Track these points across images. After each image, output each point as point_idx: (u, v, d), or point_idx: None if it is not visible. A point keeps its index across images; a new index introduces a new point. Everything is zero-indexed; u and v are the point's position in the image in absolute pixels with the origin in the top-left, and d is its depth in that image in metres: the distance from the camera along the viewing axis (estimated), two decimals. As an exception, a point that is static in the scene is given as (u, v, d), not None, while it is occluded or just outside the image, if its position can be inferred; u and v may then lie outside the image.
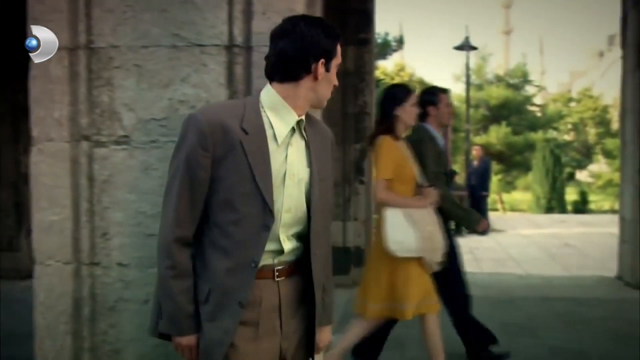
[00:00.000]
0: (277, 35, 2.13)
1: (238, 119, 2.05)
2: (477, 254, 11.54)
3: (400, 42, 22.42)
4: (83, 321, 2.80)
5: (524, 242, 13.32)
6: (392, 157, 3.99)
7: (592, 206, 30.46)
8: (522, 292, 7.65)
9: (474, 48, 17.93)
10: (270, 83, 2.15)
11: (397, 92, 4.18)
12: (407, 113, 4.08)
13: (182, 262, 2.07)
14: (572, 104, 53.44)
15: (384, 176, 3.96)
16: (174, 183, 2.06)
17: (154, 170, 2.69)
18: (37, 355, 2.84)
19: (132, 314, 2.75)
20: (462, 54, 18.17)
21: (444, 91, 4.76)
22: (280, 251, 2.13)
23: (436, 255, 4.03)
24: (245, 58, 2.65)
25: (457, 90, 33.86)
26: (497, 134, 33.28)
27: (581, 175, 53.38)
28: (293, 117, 2.12)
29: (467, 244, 13.02)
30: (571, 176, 47.12)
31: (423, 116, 4.47)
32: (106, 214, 2.74)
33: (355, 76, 7.81)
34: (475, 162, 15.30)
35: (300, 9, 2.69)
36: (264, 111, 2.10)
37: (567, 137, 49.62)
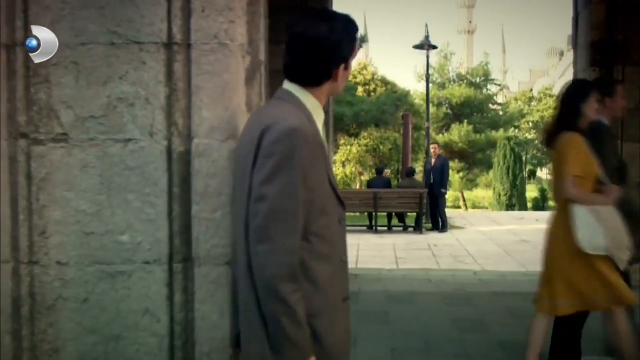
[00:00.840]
0: (298, 36, 2.09)
1: (310, 124, 2.05)
2: (435, 251, 11.66)
3: (362, 40, 22.47)
4: (22, 320, 2.77)
5: (481, 239, 13.50)
6: (582, 153, 3.95)
7: (552, 203, 31.01)
8: (475, 288, 7.76)
9: (434, 47, 18.06)
10: (291, 82, 2.15)
11: (581, 88, 4.13)
12: (591, 108, 4.04)
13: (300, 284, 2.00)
14: (533, 103, 54.27)
15: (574, 173, 3.89)
16: (287, 201, 1.94)
17: (93, 168, 2.68)
18: (-24, 355, 2.81)
19: (72, 313, 2.73)
20: (425, 52, 18.28)
21: (620, 82, 4.65)
22: None
23: (623, 253, 3.99)
24: (184, 55, 2.65)
25: (419, 88, 34.16)
26: (459, 132, 33.68)
27: (542, 173, 54.18)
28: (322, 113, 2.18)
29: (425, 240, 13.17)
30: (533, 174, 47.90)
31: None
32: (44, 212, 2.71)
33: (312, 74, 7.82)
34: (432, 160, 15.34)
35: (240, 6, 2.70)
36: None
37: (529, 135, 50.37)
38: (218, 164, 2.64)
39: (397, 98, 25.24)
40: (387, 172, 21.05)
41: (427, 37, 17.27)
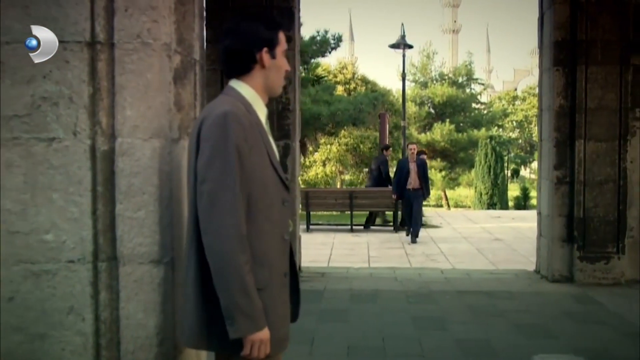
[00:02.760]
0: (223, 35, 2.39)
1: (248, 112, 2.29)
2: (408, 250, 11.70)
3: (339, 39, 22.54)
4: (-52, 320, 2.75)
5: (456, 237, 13.56)
6: None
7: (533, 202, 31.16)
8: (440, 286, 7.79)
9: (410, 46, 18.09)
10: (230, 78, 2.40)
11: None
12: None
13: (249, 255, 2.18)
14: (517, 102, 54.50)
15: None
16: (226, 177, 2.16)
17: (17, 168, 2.66)
18: None
19: (-3, 312, 2.72)
20: (409, 51, 18.31)
21: None
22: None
23: None
24: (107, 55, 2.65)
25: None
26: (441, 131, 33.77)
27: (526, 172, 54.43)
28: (264, 107, 2.42)
29: (400, 239, 13.21)
30: (516, 173, 48.11)
31: None
32: (-31, 211, 2.70)
33: (279, 73, 7.86)
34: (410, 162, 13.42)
35: (166, 5, 2.71)
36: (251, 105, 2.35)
37: (513, 135, 50.56)
38: (141, 163, 2.64)
39: (374, 97, 25.19)
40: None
41: (403, 36, 17.32)
